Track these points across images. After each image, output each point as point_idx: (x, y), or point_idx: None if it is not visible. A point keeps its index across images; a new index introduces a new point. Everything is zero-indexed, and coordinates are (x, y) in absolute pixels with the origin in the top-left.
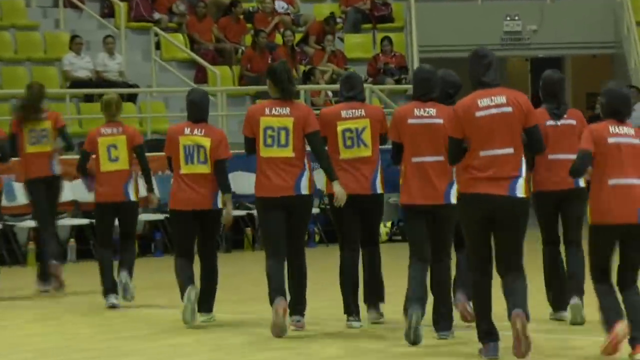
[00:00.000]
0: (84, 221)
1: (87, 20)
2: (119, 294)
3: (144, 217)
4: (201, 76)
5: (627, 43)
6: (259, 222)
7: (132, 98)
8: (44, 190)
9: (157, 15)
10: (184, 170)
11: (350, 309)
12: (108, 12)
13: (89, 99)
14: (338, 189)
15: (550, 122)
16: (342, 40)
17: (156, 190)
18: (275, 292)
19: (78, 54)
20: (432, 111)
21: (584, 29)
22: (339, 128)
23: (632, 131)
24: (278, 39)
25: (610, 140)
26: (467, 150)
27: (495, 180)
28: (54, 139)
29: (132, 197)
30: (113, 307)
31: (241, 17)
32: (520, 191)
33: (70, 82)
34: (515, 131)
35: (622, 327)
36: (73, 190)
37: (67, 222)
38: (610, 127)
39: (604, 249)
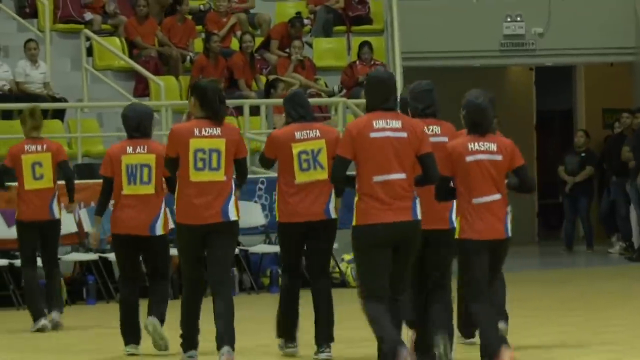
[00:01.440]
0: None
1: (4, 21)
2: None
3: (74, 256)
4: (142, 88)
5: None
6: (180, 251)
7: (59, 114)
8: None
9: (88, 16)
10: (126, 191)
11: (289, 332)
12: (30, 11)
13: (6, 115)
14: None
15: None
16: (310, 45)
17: (88, 224)
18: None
19: None
20: (437, 129)
21: (600, 32)
22: (295, 150)
23: (493, 146)
24: (234, 44)
25: (469, 158)
26: (356, 177)
27: (396, 207)
28: None
29: (57, 216)
30: (41, 330)
31: (189, 17)
32: (420, 213)
33: None
34: (408, 157)
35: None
36: None
37: None
38: (469, 145)
39: (479, 265)
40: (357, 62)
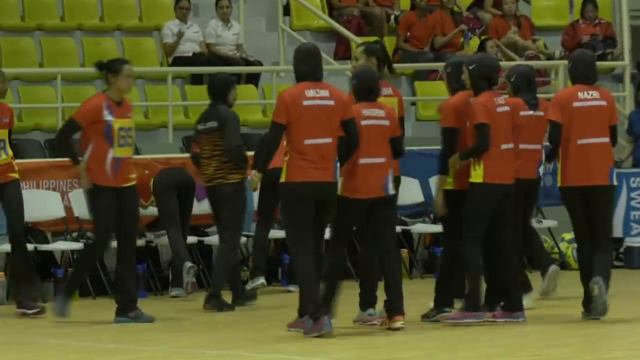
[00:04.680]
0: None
1: None
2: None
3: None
4: (343, 50)
5: None
6: (340, 217)
7: (252, 79)
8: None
9: None
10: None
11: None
12: None
13: (196, 79)
14: None
15: (527, 112)
16: (528, 2)
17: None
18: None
19: (183, 21)
20: (596, 94)
21: None
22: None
23: (382, 113)
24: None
25: (363, 122)
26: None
27: (321, 168)
28: None
29: None
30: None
31: None
32: (338, 175)
33: (172, 57)
34: (335, 123)
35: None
36: None
37: None
38: (363, 111)
39: (353, 222)
40: (580, 21)
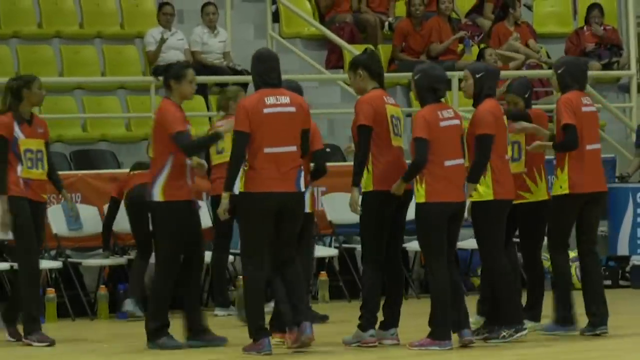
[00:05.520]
0: None
1: None
2: None
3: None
4: (335, 58)
5: None
6: (373, 217)
7: None
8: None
9: None
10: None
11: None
12: None
13: None
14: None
15: None
16: (529, 8)
17: None
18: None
19: (167, 28)
20: (590, 100)
21: None
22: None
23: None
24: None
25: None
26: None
27: (281, 178)
28: None
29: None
30: None
31: None
32: (303, 185)
33: (156, 66)
34: (297, 130)
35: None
36: None
37: None
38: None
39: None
40: (585, 28)
